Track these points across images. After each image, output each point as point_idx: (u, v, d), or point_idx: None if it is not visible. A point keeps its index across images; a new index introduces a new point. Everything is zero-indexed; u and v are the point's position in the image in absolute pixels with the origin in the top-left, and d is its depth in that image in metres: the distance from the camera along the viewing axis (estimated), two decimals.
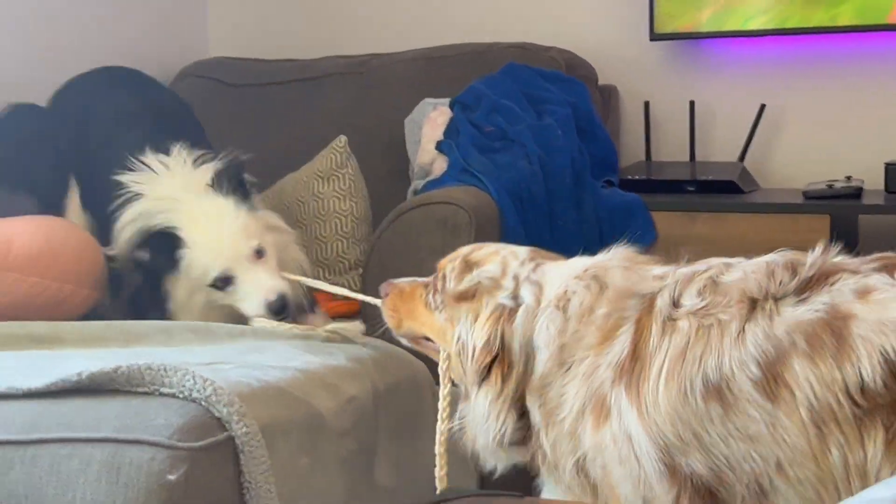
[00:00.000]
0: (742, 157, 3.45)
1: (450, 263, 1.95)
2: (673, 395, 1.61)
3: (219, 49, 4.07)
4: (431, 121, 3.27)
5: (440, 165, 3.12)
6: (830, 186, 3.15)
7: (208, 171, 2.66)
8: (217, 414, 1.84)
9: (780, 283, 1.62)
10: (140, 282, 2.64)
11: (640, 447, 1.64)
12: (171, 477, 1.74)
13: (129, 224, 2.64)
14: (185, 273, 2.57)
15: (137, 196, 2.65)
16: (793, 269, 1.64)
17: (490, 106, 3.17)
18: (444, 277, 1.94)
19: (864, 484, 1.50)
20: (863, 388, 1.51)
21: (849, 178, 3.23)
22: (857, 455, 1.52)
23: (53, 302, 2.52)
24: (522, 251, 1.93)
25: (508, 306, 1.83)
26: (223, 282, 2.56)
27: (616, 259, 1.85)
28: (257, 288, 2.54)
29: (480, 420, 1.84)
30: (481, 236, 2.70)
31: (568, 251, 2.94)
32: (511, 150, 3.04)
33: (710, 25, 3.45)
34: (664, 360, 1.63)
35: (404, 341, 2.08)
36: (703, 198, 3.23)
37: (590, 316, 1.75)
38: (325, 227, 3.10)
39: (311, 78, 3.68)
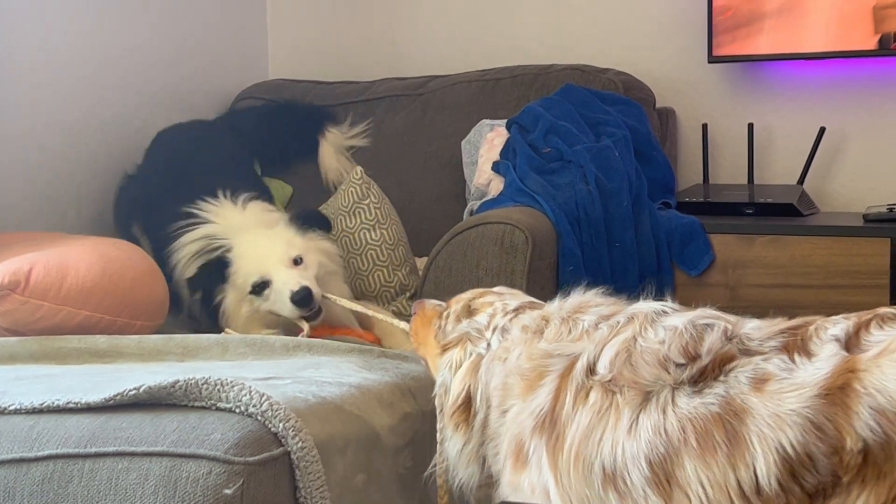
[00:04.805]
0: (801, 181, 3.42)
1: (455, 304, 1.96)
2: (580, 473, 1.58)
3: (278, 71, 4.11)
4: (488, 142, 3.27)
5: (496, 186, 3.13)
6: (891, 210, 3.11)
7: (258, 207, 3.00)
8: (273, 429, 1.85)
9: (679, 367, 1.56)
10: (198, 296, 2.84)
11: None
12: (228, 491, 1.76)
13: (190, 244, 2.90)
14: (231, 284, 2.77)
15: (202, 223, 2.93)
16: (690, 355, 1.57)
17: (547, 127, 3.16)
18: (446, 317, 1.95)
19: None
20: (758, 490, 1.43)
21: None
22: None
23: (107, 334, 2.53)
24: (515, 303, 1.92)
25: (483, 357, 1.85)
26: (260, 287, 2.73)
27: (566, 308, 1.81)
28: (285, 285, 2.68)
29: (453, 464, 1.88)
30: (538, 256, 2.70)
31: (625, 272, 2.97)
32: (568, 171, 3.03)
33: (768, 48, 3.43)
34: (575, 435, 1.60)
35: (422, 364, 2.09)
36: (761, 220, 3.19)
37: (519, 369, 1.75)
38: (361, 260, 3.14)
39: (369, 100, 3.70)
